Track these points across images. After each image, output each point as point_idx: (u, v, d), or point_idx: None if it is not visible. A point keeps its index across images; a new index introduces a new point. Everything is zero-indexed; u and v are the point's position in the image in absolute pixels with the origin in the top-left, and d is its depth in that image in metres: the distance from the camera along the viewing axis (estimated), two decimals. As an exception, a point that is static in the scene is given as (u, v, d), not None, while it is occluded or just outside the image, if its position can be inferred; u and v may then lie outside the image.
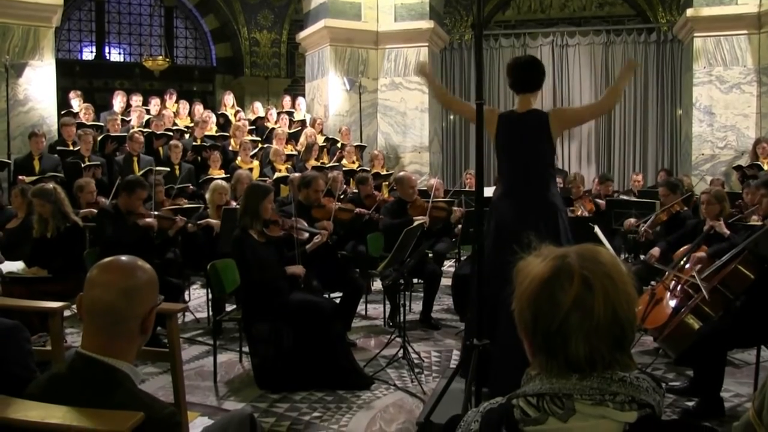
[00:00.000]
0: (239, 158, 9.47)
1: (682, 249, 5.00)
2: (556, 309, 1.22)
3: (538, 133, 3.90)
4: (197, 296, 7.35)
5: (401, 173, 7.20)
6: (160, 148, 9.49)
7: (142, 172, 8.35)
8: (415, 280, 6.73)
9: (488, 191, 4.24)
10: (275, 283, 4.66)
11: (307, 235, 5.20)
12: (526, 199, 3.87)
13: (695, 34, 10.87)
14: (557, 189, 4.04)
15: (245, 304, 4.69)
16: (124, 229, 5.52)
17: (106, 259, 1.80)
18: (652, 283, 5.14)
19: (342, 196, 7.47)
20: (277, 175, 9.06)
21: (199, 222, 6.33)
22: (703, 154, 10.83)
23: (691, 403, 4.05)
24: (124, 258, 1.81)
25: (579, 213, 7.72)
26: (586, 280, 1.22)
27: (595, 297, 1.21)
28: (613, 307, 1.21)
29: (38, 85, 9.86)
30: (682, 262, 4.81)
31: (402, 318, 4.98)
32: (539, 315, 1.24)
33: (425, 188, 8.65)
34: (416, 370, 4.72)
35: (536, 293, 1.25)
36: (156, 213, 5.81)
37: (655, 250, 5.42)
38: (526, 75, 3.92)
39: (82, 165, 8.14)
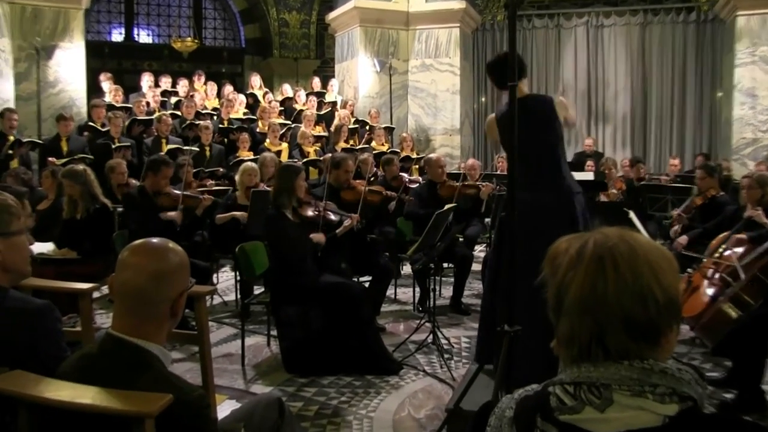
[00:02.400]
0: (267, 140, 9.49)
1: (719, 236, 4.92)
2: (588, 294, 1.20)
3: (541, 115, 3.87)
4: (225, 279, 7.42)
5: (430, 155, 7.20)
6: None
7: (168, 148, 8.42)
8: (445, 265, 6.72)
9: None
10: (305, 265, 4.69)
11: (336, 218, 5.21)
12: (540, 187, 3.82)
13: (738, 13, 10.62)
14: (569, 171, 3.99)
15: (274, 287, 4.72)
16: (150, 214, 5.58)
17: (138, 241, 1.82)
18: (689, 270, 5.07)
19: (372, 179, 7.47)
20: (305, 160, 9.06)
21: (220, 216, 6.30)
22: (744, 138, 10.62)
23: (729, 396, 3.98)
24: (155, 240, 1.82)
25: (611, 196, 7.63)
26: (614, 262, 1.20)
27: (622, 282, 1.19)
28: (641, 293, 1.18)
29: (68, 67, 9.99)
30: (721, 249, 4.73)
31: (432, 303, 4.99)
32: (565, 299, 1.23)
33: (459, 171, 8.61)
34: (446, 356, 4.72)
35: (561, 279, 1.24)
36: (183, 193, 5.83)
37: (683, 239, 5.34)
38: (502, 68, 3.82)
39: (112, 146, 8.23)
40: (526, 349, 2.99)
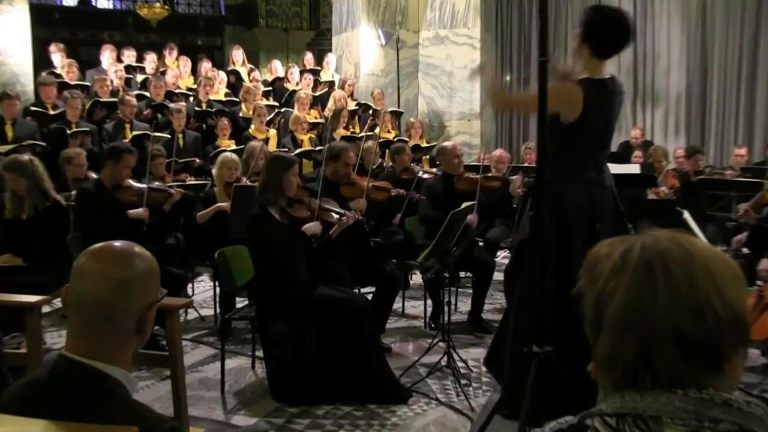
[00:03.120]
0: (252, 126, 9.52)
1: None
2: (633, 306, 1.20)
3: (620, 103, 3.98)
4: (202, 290, 7.43)
5: (445, 143, 7.19)
6: (158, 115, 9.57)
7: (133, 135, 8.43)
8: (462, 274, 6.72)
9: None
10: (296, 274, 4.70)
11: (336, 217, 5.20)
12: (597, 185, 3.94)
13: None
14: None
15: (260, 300, 4.73)
16: (108, 212, 5.57)
17: (97, 245, 1.81)
18: (758, 283, 5.04)
19: (376, 171, 7.48)
20: (298, 150, 9.06)
21: (202, 213, 6.33)
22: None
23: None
24: (118, 244, 1.81)
25: (662, 194, 7.60)
26: (665, 269, 1.19)
27: (675, 292, 1.18)
28: (698, 305, 1.17)
29: (8, 36, 9.82)
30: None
31: (446, 318, 4.98)
32: (606, 313, 1.23)
33: (479, 163, 8.60)
34: (463, 382, 4.71)
35: (602, 288, 1.23)
36: (148, 185, 5.81)
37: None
38: (621, 33, 3.83)
39: (68, 132, 8.18)
40: (558, 374, 2.99)
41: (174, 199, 6.00)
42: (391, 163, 8.35)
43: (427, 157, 10.15)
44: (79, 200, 5.82)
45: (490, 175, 6.86)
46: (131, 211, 5.69)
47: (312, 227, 4.92)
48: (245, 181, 6.62)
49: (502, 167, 7.86)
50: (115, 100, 9.22)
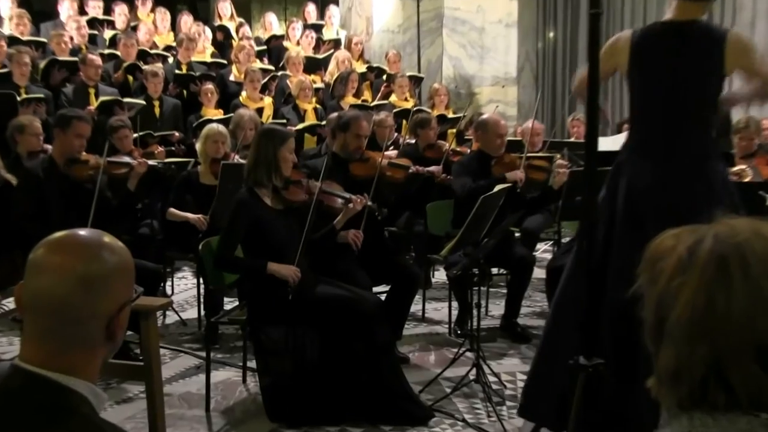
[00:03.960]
0: (244, 93, 9.53)
1: None
2: (703, 309, 1.18)
3: (705, 55, 3.77)
4: (184, 288, 7.48)
5: (485, 115, 7.01)
6: (129, 77, 9.56)
7: (100, 101, 8.38)
8: (495, 270, 6.71)
9: (606, 143, 4.18)
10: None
11: (341, 201, 5.19)
12: (674, 158, 3.78)
13: None
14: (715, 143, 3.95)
15: (252, 300, 4.75)
16: (57, 195, 5.53)
17: (58, 234, 1.80)
18: None
19: (391, 147, 7.46)
20: (301, 125, 9.05)
21: (173, 212, 6.31)
22: None
23: None
24: (83, 233, 1.80)
25: (747, 177, 7.53)
26: (743, 265, 1.18)
27: (756, 293, 1.17)
28: None
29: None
30: None
31: (475, 324, 4.99)
32: (669, 318, 1.22)
33: (515, 138, 8.58)
34: (494, 400, 4.73)
35: (665, 289, 1.22)
36: (105, 158, 5.72)
37: None
38: None
39: (18, 98, 8.14)
40: (610, 392, 2.99)
41: (138, 172, 5.92)
42: (408, 138, 8.31)
43: (453, 130, 10.09)
44: (20, 183, 5.70)
45: (535, 155, 6.69)
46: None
47: (283, 270, 4.63)
48: (235, 157, 6.62)
49: (536, 140, 7.80)
50: (76, 59, 9.08)
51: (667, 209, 3.61)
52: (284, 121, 8.89)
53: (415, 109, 9.97)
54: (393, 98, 10.58)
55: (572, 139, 9.23)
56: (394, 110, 9.80)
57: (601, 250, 3.61)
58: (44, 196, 5.53)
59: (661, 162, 3.77)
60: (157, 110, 8.96)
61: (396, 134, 8.95)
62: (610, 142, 4.72)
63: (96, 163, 5.68)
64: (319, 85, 10.40)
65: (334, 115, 7.27)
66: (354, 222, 5.20)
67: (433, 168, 7.05)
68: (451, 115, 10.23)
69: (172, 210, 6.30)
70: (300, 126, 8.94)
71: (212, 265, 4.81)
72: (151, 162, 6.18)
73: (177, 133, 8.68)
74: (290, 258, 4.68)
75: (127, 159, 6.17)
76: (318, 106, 9.78)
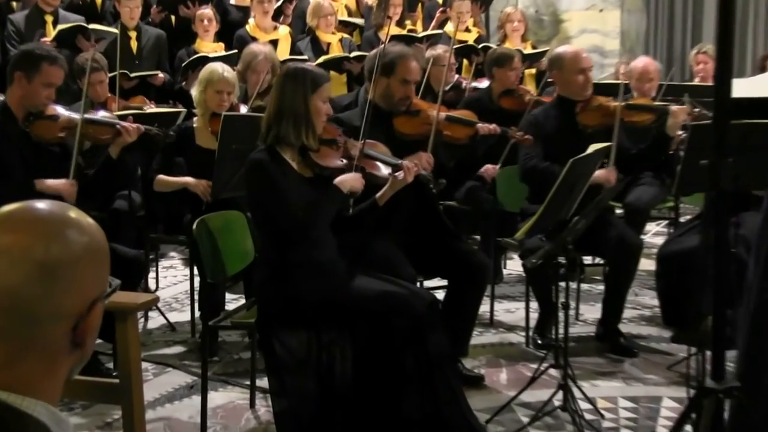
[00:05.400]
0: (252, 21, 9.52)
1: None
2: None
3: None
4: (172, 281, 7.54)
5: (560, 48, 6.96)
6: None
7: (58, 29, 8.36)
8: (588, 260, 6.68)
9: (743, 86, 4.13)
10: (323, 257, 4.72)
11: (386, 171, 5.15)
12: None
13: None
14: None
15: (265, 297, 4.75)
16: (18, 150, 5.53)
17: (9, 207, 1.79)
18: None
19: (448, 93, 7.42)
20: (323, 58, 9.02)
21: (162, 179, 6.29)
22: None
23: None
24: (42, 206, 1.80)
25: None
26: None
27: None
28: None
29: None
30: None
31: (561, 331, 5.00)
32: None
33: (617, 81, 8.48)
34: (588, 433, 4.74)
35: None
36: (82, 116, 5.72)
37: None
38: None
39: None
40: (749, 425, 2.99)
41: (125, 139, 5.88)
42: (477, 83, 8.26)
43: (534, 71, 10.04)
44: None
45: (635, 103, 6.64)
46: (46, 182, 5.47)
47: (349, 180, 4.82)
48: (244, 109, 6.60)
49: (648, 87, 7.71)
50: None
51: None
52: (304, 57, 8.85)
53: (480, 44, 9.90)
54: (450, 27, 10.51)
55: (696, 82, 9.12)
56: (455, 45, 9.75)
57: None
58: None
59: None
60: (133, 43, 8.99)
61: (456, 76, 8.92)
62: (747, 86, 4.65)
63: (69, 121, 5.65)
64: (355, 20, 10.35)
65: (373, 51, 7.16)
66: (400, 194, 5.13)
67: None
68: (528, 51, 10.15)
69: (162, 177, 6.26)
70: (321, 59, 8.88)
71: (293, 238, 4.74)
72: (146, 127, 6.05)
73: (161, 74, 8.72)
74: (320, 241, 4.71)
75: (111, 118, 6.05)
76: (346, 36, 9.75)
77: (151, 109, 7.44)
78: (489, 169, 5.88)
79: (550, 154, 6.14)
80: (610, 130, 6.19)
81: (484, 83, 8.49)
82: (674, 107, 6.42)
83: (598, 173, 5.74)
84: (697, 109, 6.35)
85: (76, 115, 5.66)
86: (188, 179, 6.22)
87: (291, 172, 4.74)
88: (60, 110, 5.72)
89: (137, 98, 7.85)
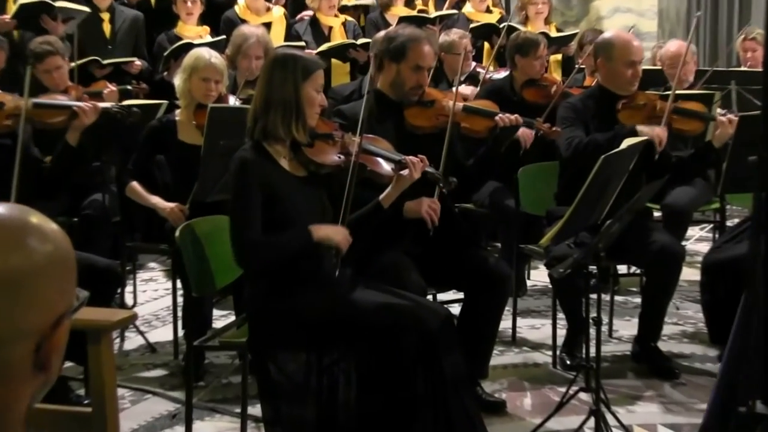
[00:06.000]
0: (241, 2, 9.54)
1: None
2: None
3: None
4: (152, 296, 7.55)
5: (608, 33, 6.88)
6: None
7: (19, 4, 8.29)
8: (623, 269, 6.67)
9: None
10: (322, 268, 4.70)
11: (388, 168, 5.14)
12: None
13: None
14: None
15: (257, 314, 4.74)
16: None
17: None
18: None
19: (463, 83, 7.42)
20: (324, 46, 9.02)
21: (133, 188, 6.27)
22: None
23: None
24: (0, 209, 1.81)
25: None
26: None
27: None
28: None
29: None
30: None
31: (593, 350, 5.00)
32: None
33: (654, 66, 8.48)
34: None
35: None
36: (33, 99, 5.67)
37: None
38: None
39: None
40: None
41: (82, 121, 5.85)
42: (497, 71, 8.25)
43: (559, 56, 10.02)
44: None
45: (686, 106, 6.54)
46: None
47: (329, 231, 4.67)
48: (234, 100, 6.59)
49: (684, 73, 7.64)
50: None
51: None
52: (301, 44, 8.85)
53: (502, 26, 9.84)
54: (468, 8, 10.52)
55: (744, 68, 9.09)
56: (471, 26, 9.74)
57: None
58: None
59: None
60: (106, 25, 8.99)
61: (473, 65, 8.91)
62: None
63: (15, 106, 5.64)
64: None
65: (381, 34, 7.15)
66: (410, 194, 5.12)
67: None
68: (554, 34, 10.14)
69: (134, 186, 6.26)
70: (323, 47, 8.93)
71: (235, 260, 4.72)
72: (103, 105, 6.06)
73: (138, 62, 8.72)
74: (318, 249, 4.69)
75: (63, 100, 6.06)
76: (349, 19, 9.77)
77: (111, 97, 7.37)
78: (526, 132, 5.84)
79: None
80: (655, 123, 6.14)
81: (502, 74, 8.46)
82: (723, 118, 6.28)
83: (646, 128, 5.74)
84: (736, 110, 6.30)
85: (21, 100, 5.65)
86: (157, 201, 6.21)
87: (279, 172, 4.73)
88: (5, 96, 5.70)
89: (98, 83, 7.78)
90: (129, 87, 8.04)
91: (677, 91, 6.51)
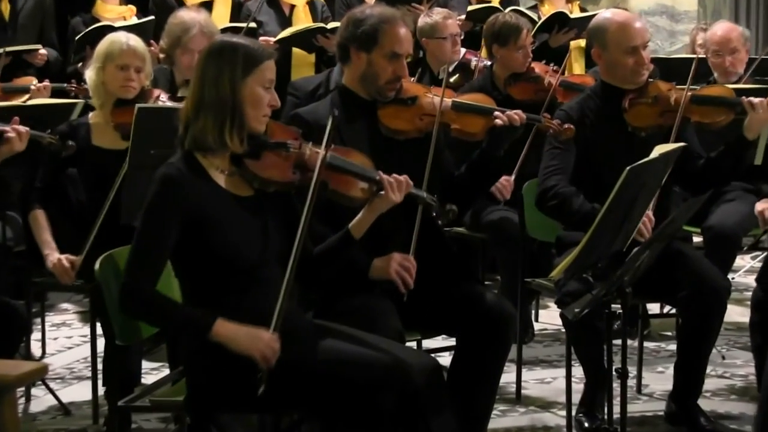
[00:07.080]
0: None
1: None
2: None
3: None
4: (67, 344, 7.54)
5: (603, 15, 6.89)
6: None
7: None
8: (654, 308, 6.69)
9: None
10: (263, 302, 4.63)
11: (362, 185, 5.09)
12: None
13: None
14: None
15: (196, 366, 4.73)
16: None
17: None
18: None
19: (454, 76, 7.45)
20: (284, 33, 9.04)
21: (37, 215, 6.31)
22: None
23: None
24: None
25: None
26: None
27: None
28: None
29: None
30: None
31: (617, 409, 4.97)
32: None
33: (690, 55, 8.50)
34: None
35: None
36: None
37: None
38: None
39: None
40: None
41: (12, 148, 5.88)
42: (486, 59, 8.29)
43: (581, 44, 10.06)
44: None
45: (704, 92, 6.54)
46: None
47: (248, 339, 4.45)
48: (164, 99, 6.60)
49: (732, 62, 7.67)
50: None
51: None
52: (252, 25, 8.89)
53: (507, 11, 9.86)
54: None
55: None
56: (468, 9, 9.78)
57: None
58: None
59: None
60: (5, 5, 9.01)
61: (463, 50, 8.92)
62: None
63: None
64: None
65: (346, 17, 7.08)
66: (388, 222, 5.10)
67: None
68: (576, 14, 10.16)
69: (37, 216, 6.31)
70: (284, 34, 8.94)
71: (118, 304, 4.65)
72: (34, 133, 5.99)
73: (43, 50, 8.75)
74: (265, 293, 4.63)
75: None
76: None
77: (39, 96, 7.39)
78: (502, 182, 5.81)
79: (589, 166, 6.12)
80: (668, 130, 6.17)
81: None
82: (755, 99, 6.21)
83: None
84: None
85: None
86: (46, 246, 6.24)
87: (213, 191, 4.66)
88: None
89: (23, 78, 7.80)
90: (65, 85, 7.96)
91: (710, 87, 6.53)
